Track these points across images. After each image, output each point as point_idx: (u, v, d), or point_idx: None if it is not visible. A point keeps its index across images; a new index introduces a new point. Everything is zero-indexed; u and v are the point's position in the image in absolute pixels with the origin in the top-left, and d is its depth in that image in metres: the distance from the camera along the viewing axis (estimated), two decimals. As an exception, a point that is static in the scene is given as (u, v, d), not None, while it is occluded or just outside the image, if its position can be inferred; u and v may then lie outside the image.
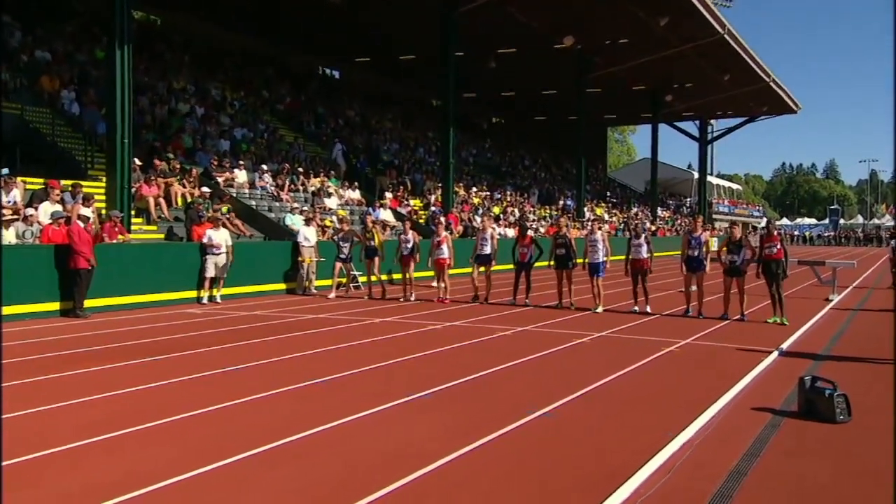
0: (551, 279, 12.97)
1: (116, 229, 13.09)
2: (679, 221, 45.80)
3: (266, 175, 19.65)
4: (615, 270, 14.33)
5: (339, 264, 14.51)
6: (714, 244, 13.49)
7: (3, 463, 4.21)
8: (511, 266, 13.46)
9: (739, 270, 10.84)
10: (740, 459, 4.50)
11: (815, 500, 3.93)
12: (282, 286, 15.08)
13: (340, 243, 14.58)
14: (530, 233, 13.93)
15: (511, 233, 24.19)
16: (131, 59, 14.27)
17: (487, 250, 13.50)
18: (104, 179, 14.93)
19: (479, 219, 23.43)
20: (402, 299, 13.64)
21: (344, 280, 15.56)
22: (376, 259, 14.05)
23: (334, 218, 19.16)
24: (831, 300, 14.04)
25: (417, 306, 12.85)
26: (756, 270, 10.88)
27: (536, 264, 13.12)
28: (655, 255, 12.40)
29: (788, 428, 5.23)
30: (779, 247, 10.59)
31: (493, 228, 14.62)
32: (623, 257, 12.39)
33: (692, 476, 4.22)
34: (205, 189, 16.72)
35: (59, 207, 12.76)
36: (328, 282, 14.73)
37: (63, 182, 14.13)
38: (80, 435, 4.88)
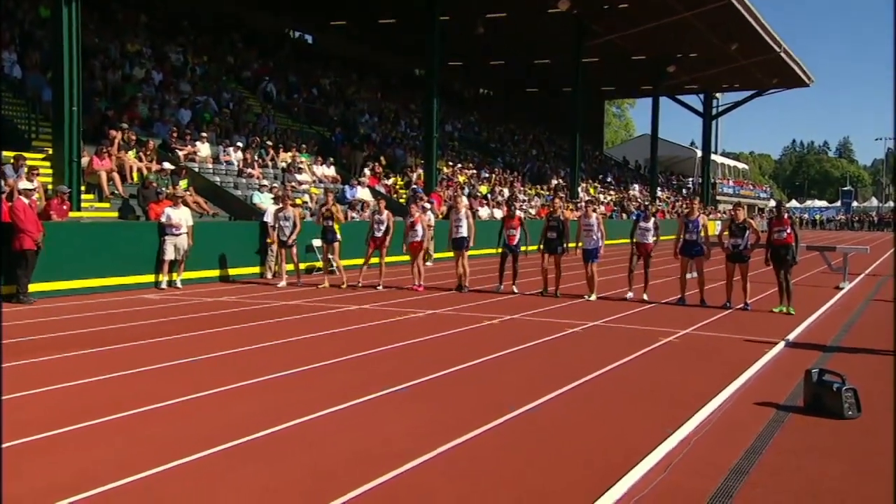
0: (537, 265, 12.95)
1: (65, 207, 12.89)
2: (680, 203, 46.09)
3: (231, 149, 19.44)
4: (610, 255, 14.38)
5: (283, 249, 13.66)
6: (715, 228, 13.57)
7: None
8: (493, 251, 13.36)
9: (743, 256, 10.92)
10: (742, 457, 4.54)
11: (822, 500, 3.98)
12: (249, 270, 14.98)
13: (281, 223, 13.55)
14: (519, 213, 13.84)
15: (500, 214, 24.18)
16: (80, 18, 13.99)
17: (463, 232, 13.26)
18: (50, 151, 14.69)
19: (449, 198, 23.35)
20: (378, 286, 13.53)
21: (308, 266, 15.36)
22: (335, 244, 13.56)
23: (306, 197, 19.02)
24: (842, 288, 14.21)
25: (399, 293, 12.82)
26: (764, 256, 10.95)
27: (523, 248, 13.11)
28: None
29: (793, 424, 5.29)
30: (788, 231, 10.65)
31: (467, 206, 14.46)
32: (624, 241, 12.44)
33: (690, 474, 4.26)
34: (167, 165, 16.50)
35: (-1, 182, 12.54)
36: (302, 266, 14.57)
37: (4, 154, 13.86)
38: (23, 432, 4.82)
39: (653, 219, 12.29)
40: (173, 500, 3.83)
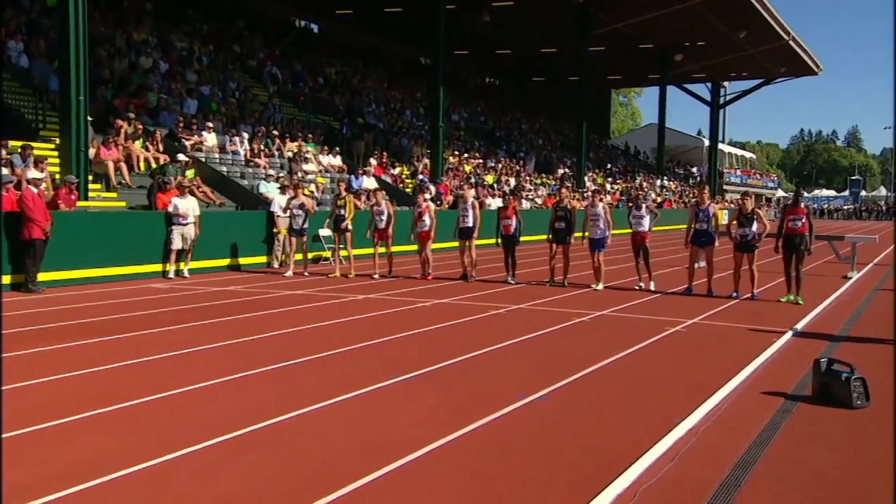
0: (545, 254, 12.86)
1: (73, 196, 12.91)
2: (687, 192, 45.88)
3: (237, 138, 19.41)
4: (616, 245, 14.32)
5: (293, 238, 13.70)
6: (724, 217, 13.50)
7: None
8: (492, 241, 13.23)
9: (751, 245, 10.85)
10: (749, 447, 4.52)
11: (830, 491, 3.95)
12: (256, 259, 14.99)
13: (294, 211, 13.61)
14: (514, 203, 13.59)
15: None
16: (86, 7, 13.97)
17: (469, 222, 13.13)
18: (58, 141, 14.70)
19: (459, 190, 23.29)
20: (376, 276, 13.28)
21: (315, 255, 15.32)
22: (347, 234, 13.55)
23: (312, 187, 19.00)
24: (850, 278, 14.12)
25: (405, 283, 12.80)
26: (775, 245, 10.82)
27: (522, 239, 13.01)
28: (663, 228, 12.42)
29: (801, 413, 5.26)
30: (804, 220, 10.45)
31: (475, 197, 14.38)
32: (628, 231, 12.39)
33: (697, 464, 4.23)
34: (181, 156, 16.45)
35: (6, 171, 12.54)
36: (309, 255, 14.52)
37: (11, 143, 13.89)
38: (27, 421, 4.82)
39: (644, 206, 12.28)
40: (178, 488, 3.83)
